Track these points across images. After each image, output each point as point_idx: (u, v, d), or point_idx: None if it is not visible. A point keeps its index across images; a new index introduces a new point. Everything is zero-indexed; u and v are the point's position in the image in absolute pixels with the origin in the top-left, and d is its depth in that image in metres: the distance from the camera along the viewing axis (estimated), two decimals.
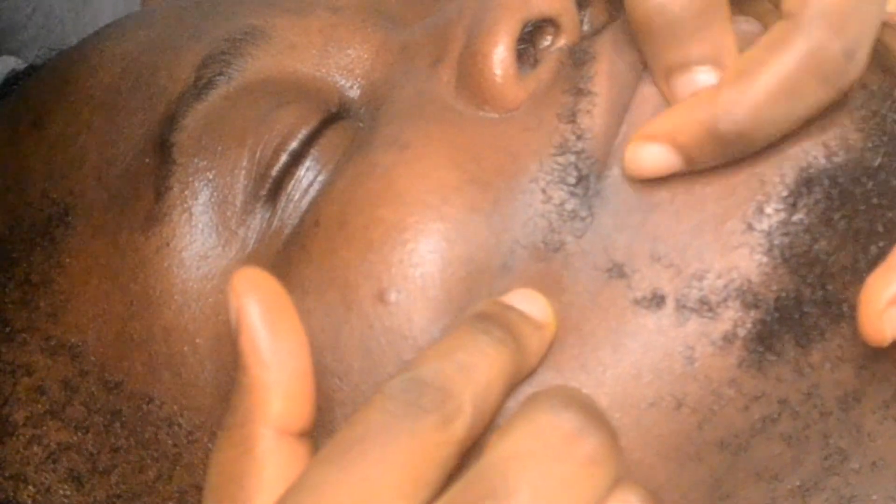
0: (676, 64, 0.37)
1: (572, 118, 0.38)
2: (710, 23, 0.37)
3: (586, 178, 0.38)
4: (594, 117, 0.38)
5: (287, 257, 0.39)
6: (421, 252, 0.37)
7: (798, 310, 0.37)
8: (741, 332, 0.37)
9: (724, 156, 0.37)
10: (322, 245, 0.38)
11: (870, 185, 0.37)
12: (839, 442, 0.38)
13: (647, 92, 0.38)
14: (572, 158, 0.38)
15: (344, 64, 0.42)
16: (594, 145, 0.38)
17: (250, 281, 0.34)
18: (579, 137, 0.38)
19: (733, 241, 0.37)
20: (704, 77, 0.37)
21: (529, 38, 0.40)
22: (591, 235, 0.38)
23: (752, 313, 0.37)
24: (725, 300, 0.37)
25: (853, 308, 0.37)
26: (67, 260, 0.42)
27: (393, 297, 0.37)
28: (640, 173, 0.37)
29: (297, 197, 0.40)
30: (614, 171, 0.38)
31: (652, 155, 0.37)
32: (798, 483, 0.38)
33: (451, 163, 0.38)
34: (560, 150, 0.38)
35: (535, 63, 0.40)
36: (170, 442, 0.40)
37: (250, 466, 0.34)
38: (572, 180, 0.38)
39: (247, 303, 0.34)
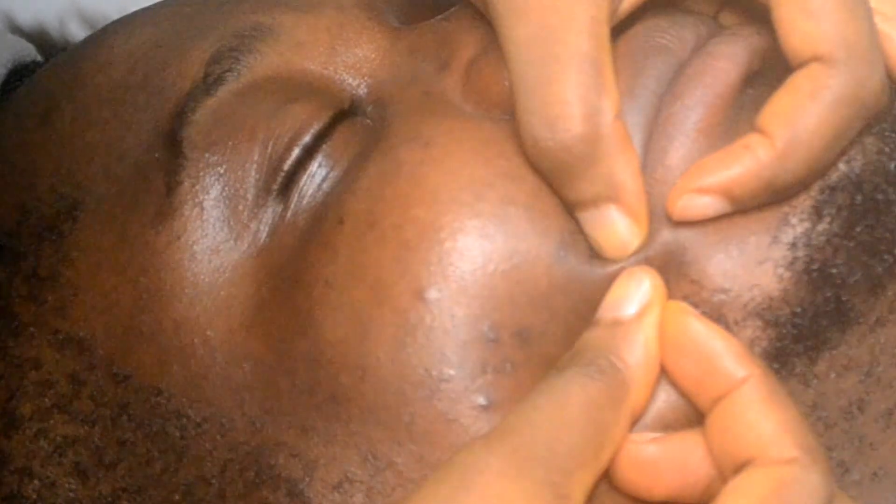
0: (575, 202, 0.37)
1: None
2: (599, 160, 0.36)
3: None
4: None
5: (304, 252, 0.39)
6: (459, 250, 0.37)
7: (814, 324, 0.37)
8: (757, 350, 0.37)
9: (775, 199, 0.37)
10: (349, 243, 0.38)
11: (891, 192, 0.37)
12: (842, 454, 0.38)
13: (669, 113, 0.38)
14: None
15: (351, 63, 0.43)
16: None
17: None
18: None
19: (758, 256, 0.37)
20: (607, 214, 0.37)
21: None
22: None
23: (770, 332, 0.37)
24: (745, 319, 0.37)
25: (861, 315, 0.37)
26: (75, 254, 0.42)
27: (433, 295, 0.37)
28: (688, 219, 0.37)
29: (309, 192, 0.40)
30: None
31: (703, 204, 0.37)
32: None
33: (480, 158, 0.38)
34: None
35: None
36: (177, 434, 0.40)
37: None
38: None
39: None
